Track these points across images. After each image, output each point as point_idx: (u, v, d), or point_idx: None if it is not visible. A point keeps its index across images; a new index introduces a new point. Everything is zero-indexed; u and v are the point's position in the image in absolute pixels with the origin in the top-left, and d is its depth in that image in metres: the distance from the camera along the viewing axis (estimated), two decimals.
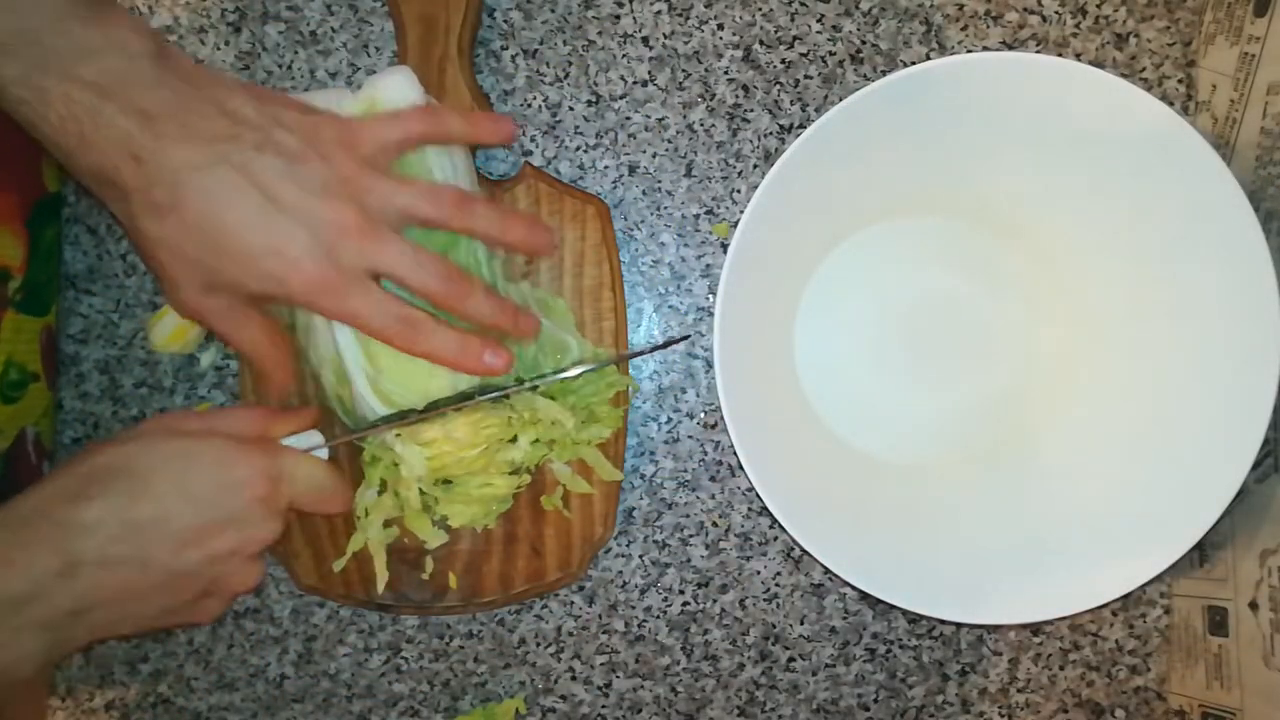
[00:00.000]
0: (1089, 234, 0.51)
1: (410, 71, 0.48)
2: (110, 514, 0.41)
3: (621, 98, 0.56)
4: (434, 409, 0.48)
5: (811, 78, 0.55)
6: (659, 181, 0.56)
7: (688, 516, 0.56)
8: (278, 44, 0.56)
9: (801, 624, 0.57)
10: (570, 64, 0.56)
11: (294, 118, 0.44)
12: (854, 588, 0.49)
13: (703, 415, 0.56)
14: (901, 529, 0.51)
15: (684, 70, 0.55)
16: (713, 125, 0.56)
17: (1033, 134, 0.48)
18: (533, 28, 0.55)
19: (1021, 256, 0.54)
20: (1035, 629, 0.57)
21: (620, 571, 0.57)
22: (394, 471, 0.51)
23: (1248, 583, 0.50)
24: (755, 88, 0.55)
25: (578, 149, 0.56)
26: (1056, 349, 0.54)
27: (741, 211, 0.46)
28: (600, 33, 0.55)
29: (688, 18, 0.55)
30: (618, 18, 0.55)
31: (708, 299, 0.56)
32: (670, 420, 0.56)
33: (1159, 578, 0.49)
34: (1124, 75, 0.53)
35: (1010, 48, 0.55)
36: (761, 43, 0.55)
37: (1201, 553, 0.54)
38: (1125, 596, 0.51)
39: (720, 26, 0.55)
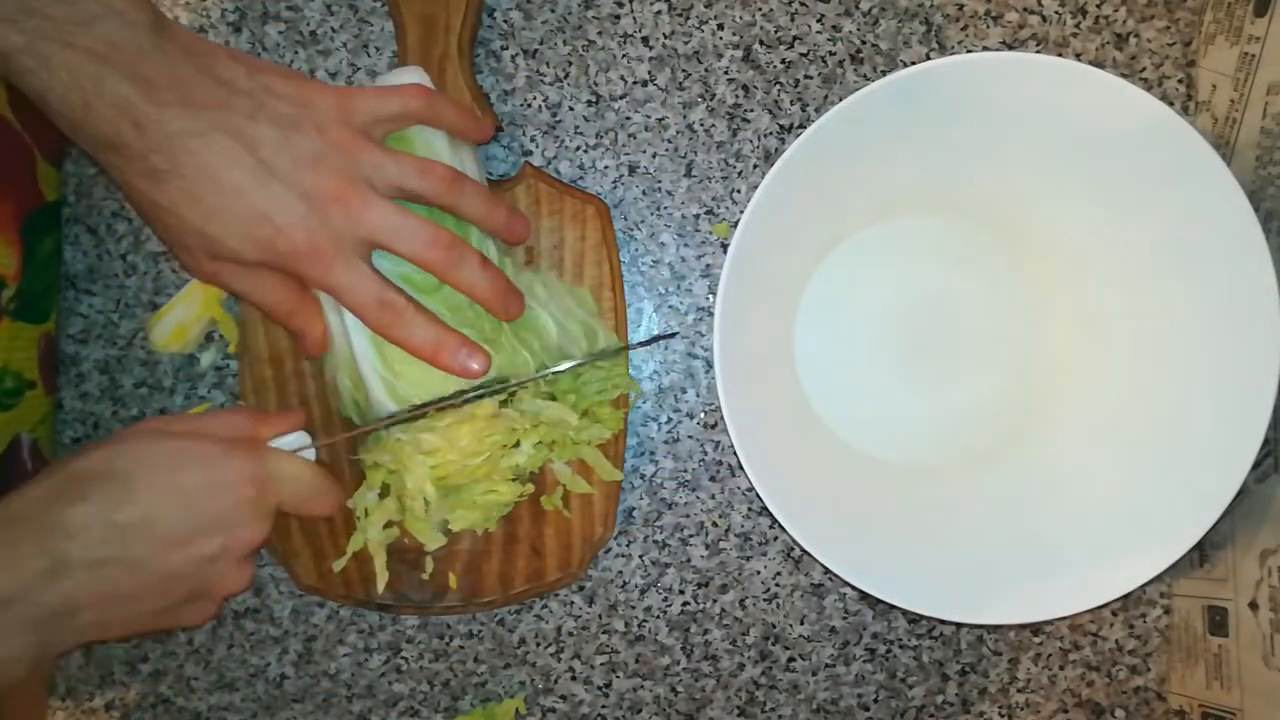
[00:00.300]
0: (1089, 234, 0.51)
1: (422, 70, 0.49)
2: (97, 515, 0.41)
3: (621, 98, 0.56)
4: (442, 403, 0.48)
5: (811, 78, 0.55)
6: (659, 181, 0.56)
7: (688, 516, 0.56)
8: (278, 44, 0.56)
9: (801, 624, 0.57)
10: (570, 64, 0.56)
11: (288, 86, 0.44)
12: (854, 588, 0.49)
13: (703, 415, 0.56)
14: (901, 529, 0.51)
15: (684, 70, 0.55)
16: (713, 125, 0.56)
17: (1033, 134, 0.48)
18: (533, 28, 0.55)
19: (1022, 256, 0.54)
20: (1035, 629, 0.57)
21: (620, 571, 0.57)
22: (396, 477, 0.51)
23: (1248, 583, 0.50)
24: (755, 88, 0.55)
25: (578, 149, 0.56)
26: (1056, 349, 0.54)
27: (741, 211, 0.46)
28: (600, 33, 0.55)
29: (688, 18, 0.55)
30: (618, 18, 0.55)
31: (708, 299, 0.56)
32: (670, 420, 0.56)
33: (1159, 578, 0.49)
34: (1124, 75, 0.53)
35: (1010, 48, 0.55)
36: (761, 43, 0.55)
37: (1201, 553, 0.54)
38: (1125, 596, 0.51)
39: (720, 26, 0.55)
